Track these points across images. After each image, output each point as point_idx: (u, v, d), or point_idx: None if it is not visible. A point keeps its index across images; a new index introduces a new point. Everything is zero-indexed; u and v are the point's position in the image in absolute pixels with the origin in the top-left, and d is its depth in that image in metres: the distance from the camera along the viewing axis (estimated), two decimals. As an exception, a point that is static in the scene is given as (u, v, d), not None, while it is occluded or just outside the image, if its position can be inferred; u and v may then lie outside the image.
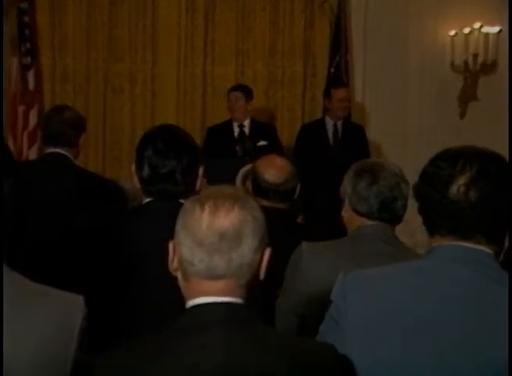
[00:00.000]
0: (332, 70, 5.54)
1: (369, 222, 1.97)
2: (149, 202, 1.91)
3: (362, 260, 1.83)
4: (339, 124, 5.08)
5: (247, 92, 4.93)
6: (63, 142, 2.96)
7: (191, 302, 1.31)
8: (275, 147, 4.68)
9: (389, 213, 1.96)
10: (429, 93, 5.62)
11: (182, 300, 1.34)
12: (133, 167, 1.93)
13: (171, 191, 1.86)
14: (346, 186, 1.99)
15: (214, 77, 5.67)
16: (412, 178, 5.34)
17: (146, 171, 1.87)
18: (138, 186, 1.93)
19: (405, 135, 5.66)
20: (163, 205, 1.88)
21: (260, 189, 2.45)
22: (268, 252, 1.32)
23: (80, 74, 5.60)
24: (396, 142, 5.62)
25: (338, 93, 4.98)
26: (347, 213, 1.99)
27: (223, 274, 1.29)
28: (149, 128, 2.00)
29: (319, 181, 4.74)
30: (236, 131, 4.91)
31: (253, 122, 4.93)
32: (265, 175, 2.45)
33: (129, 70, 5.64)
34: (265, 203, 2.39)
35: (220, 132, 4.88)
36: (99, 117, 5.60)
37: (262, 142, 4.74)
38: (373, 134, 5.48)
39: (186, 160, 1.87)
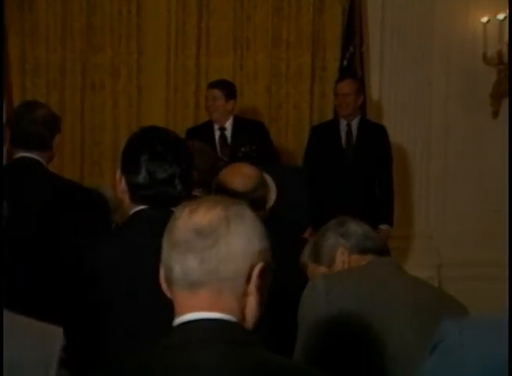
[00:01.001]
0: (344, 62, 5.51)
1: (376, 257, 2.10)
2: (140, 211, 1.93)
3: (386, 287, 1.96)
4: (354, 123, 5.04)
5: (228, 90, 4.85)
6: (36, 145, 2.93)
7: (177, 320, 1.33)
8: (265, 151, 4.67)
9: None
10: (457, 89, 5.59)
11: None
12: (118, 173, 1.97)
13: (169, 194, 1.92)
14: (332, 242, 2.11)
15: (209, 71, 5.63)
16: (438, 188, 5.25)
17: (142, 176, 1.92)
18: (124, 195, 1.95)
19: (429, 139, 5.62)
20: (157, 214, 1.90)
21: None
22: (259, 266, 1.32)
23: (54, 67, 5.58)
24: (418, 146, 5.60)
25: (338, 87, 5.01)
26: (343, 263, 2.09)
27: (198, 279, 1.30)
28: (137, 129, 2.05)
29: (329, 189, 4.76)
30: (217, 134, 4.87)
31: (236, 122, 4.87)
32: (231, 184, 2.57)
33: (111, 63, 5.62)
34: None
35: (199, 135, 4.64)
36: (76, 116, 5.58)
37: (245, 149, 4.67)
38: (391, 136, 5.36)
39: (185, 165, 1.95)
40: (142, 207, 1.96)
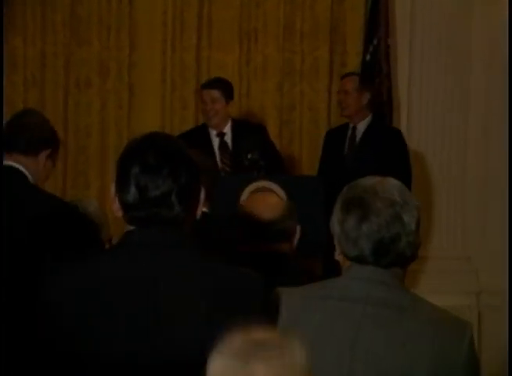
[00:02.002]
0: (367, 57, 5.46)
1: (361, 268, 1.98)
2: (128, 233, 1.92)
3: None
4: (360, 126, 5.06)
5: (228, 90, 4.86)
6: (19, 148, 3.04)
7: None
8: (271, 157, 4.66)
9: (389, 257, 1.94)
10: (499, 95, 5.43)
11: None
12: (113, 188, 1.94)
13: (164, 217, 1.88)
14: (334, 223, 2.01)
15: (211, 67, 5.63)
16: (476, 201, 5.13)
17: (132, 193, 1.88)
18: (119, 214, 1.94)
19: (464, 151, 5.53)
20: (145, 237, 1.89)
21: (252, 230, 2.66)
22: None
23: (33, 62, 5.56)
24: (453, 153, 5.51)
25: (340, 84, 5.12)
26: (340, 256, 2.02)
27: None
28: (137, 136, 2.00)
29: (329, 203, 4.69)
30: (216, 142, 4.84)
31: (235, 126, 4.85)
32: (257, 215, 2.68)
33: (98, 58, 5.62)
34: (261, 247, 2.66)
35: (193, 142, 4.60)
36: (58, 119, 5.49)
37: (252, 156, 4.60)
38: (420, 141, 5.43)
39: (185, 179, 1.89)
40: (132, 228, 1.92)
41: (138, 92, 5.63)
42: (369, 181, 2.02)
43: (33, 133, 3.08)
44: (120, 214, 1.93)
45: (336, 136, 5.12)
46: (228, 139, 4.83)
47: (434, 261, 5.24)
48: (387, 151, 4.94)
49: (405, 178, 4.80)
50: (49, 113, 5.30)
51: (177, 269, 1.82)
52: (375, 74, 5.37)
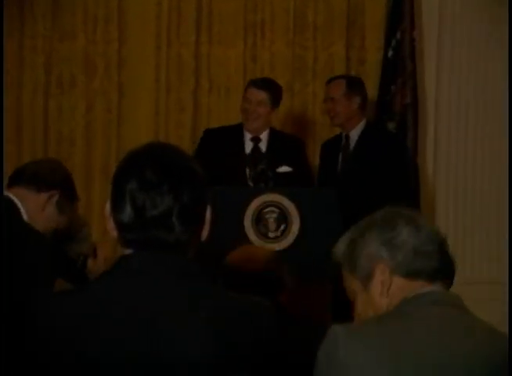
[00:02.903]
0: (389, 53, 5.48)
1: (429, 288, 1.95)
2: (124, 258, 1.92)
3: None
4: (353, 134, 4.94)
5: (276, 95, 4.78)
6: (23, 179, 3.15)
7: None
8: (302, 174, 4.68)
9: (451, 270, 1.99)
10: None
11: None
12: (108, 206, 1.94)
13: (163, 239, 1.88)
14: (371, 253, 1.97)
15: (212, 64, 5.63)
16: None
17: (127, 213, 1.88)
18: (114, 234, 1.94)
19: (499, 150, 5.53)
20: (149, 260, 1.89)
21: (235, 282, 2.68)
22: None
23: (8, 58, 5.48)
24: (486, 161, 5.55)
25: (325, 91, 5.02)
26: (383, 285, 1.97)
27: None
28: (135, 147, 1.98)
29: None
30: (249, 146, 4.77)
31: (272, 135, 4.82)
32: (241, 268, 2.80)
33: (84, 53, 5.61)
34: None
35: (223, 142, 4.73)
36: (37, 123, 5.56)
37: (285, 168, 4.65)
38: (448, 147, 5.48)
39: (188, 197, 1.88)
40: (128, 251, 1.92)
41: (129, 92, 5.61)
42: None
43: (40, 169, 3.21)
44: (115, 234, 1.92)
45: (331, 148, 5.05)
46: (263, 146, 4.76)
47: (462, 286, 5.06)
48: (383, 160, 4.83)
49: (404, 190, 4.80)
50: (27, 117, 5.58)
51: (179, 300, 1.81)
52: (398, 73, 5.36)
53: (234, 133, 4.77)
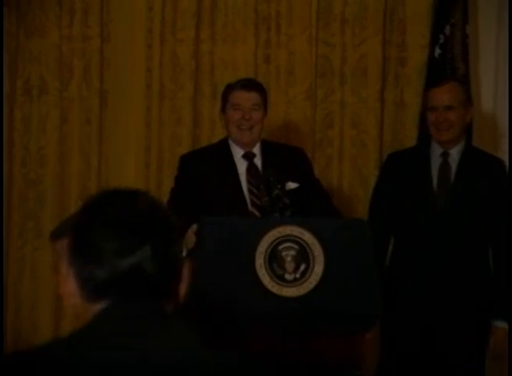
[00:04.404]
0: (437, 51, 5.49)
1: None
2: (104, 310, 2.04)
3: None
4: (454, 153, 4.88)
5: (266, 95, 4.76)
6: None
7: None
8: (312, 189, 4.64)
9: None
10: None
11: None
12: (65, 263, 2.07)
13: (136, 288, 2.04)
14: None
15: (216, 65, 5.64)
16: None
17: (90, 269, 2.03)
18: (74, 299, 2.06)
19: None
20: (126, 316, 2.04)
21: None
22: None
23: None
24: None
25: (433, 95, 4.89)
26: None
27: None
28: (95, 193, 2.11)
29: (408, 258, 4.77)
30: (242, 165, 4.68)
31: (266, 147, 4.76)
32: None
33: (57, 52, 5.61)
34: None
35: (207, 166, 4.66)
36: None
37: (291, 185, 4.55)
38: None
39: (163, 248, 2.05)
40: (100, 306, 2.04)
41: (113, 100, 5.61)
42: None
43: None
44: (75, 299, 2.04)
45: (406, 164, 4.95)
46: (258, 162, 4.68)
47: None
48: (494, 189, 4.83)
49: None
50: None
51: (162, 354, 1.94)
52: (447, 77, 5.27)
53: (218, 153, 4.71)
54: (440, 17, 5.46)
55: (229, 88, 4.69)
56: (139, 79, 5.60)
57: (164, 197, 4.44)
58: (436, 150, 4.86)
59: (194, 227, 3.97)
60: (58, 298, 5.28)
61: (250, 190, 4.58)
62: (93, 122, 5.56)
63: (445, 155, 4.86)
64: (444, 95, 4.81)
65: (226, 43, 5.61)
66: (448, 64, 5.41)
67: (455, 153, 4.87)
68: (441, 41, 5.43)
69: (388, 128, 5.61)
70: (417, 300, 4.65)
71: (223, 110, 4.70)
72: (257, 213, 4.48)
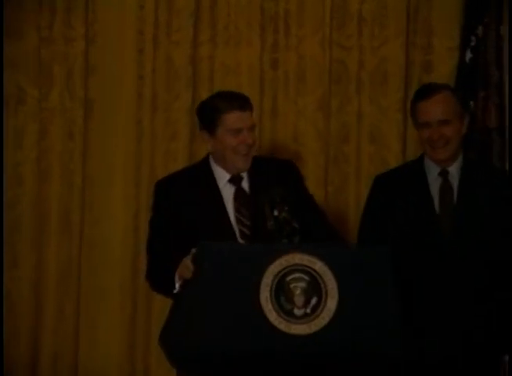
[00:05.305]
0: (468, 56, 5.52)
1: None
2: None
3: None
4: (453, 170, 4.80)
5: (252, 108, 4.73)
6: None
7: None
8: (304, 206, 4.56)
9: None
10: None
11: None
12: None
13: None
14: None
15: (216, 70, 5.64)
16: None
17: None
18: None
19: None
20: None
21: None
22: None
23: None
24: None
25: (423, 109, 4.78)
26: None
27: None
28: None
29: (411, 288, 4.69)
30: (228, 190, 4.60)
31: (253, 166, 4.70)
32: None
33: (36, 57, 5.62)
34: None
35: (187, 193, 4.55)
36: None
37: (280, 213, 4.37)
38: None
39: None
40: None
41: (99, 111, 5.60)
42: None
43: None
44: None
45: (400, 185, 4.86)
46: (245, 185, 4.56)
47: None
48: (494, 207, 4.77)
49: None
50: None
51: None
52: (479, 84, 5.38)
53: (200, 177, 4.61)
54: (471, 16, 5.49)
55: (218, 109, 4.53)
56: (129, 87, 5.60)
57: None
58: (433, 169, 4.79)
59: (190, 254, 3.89)
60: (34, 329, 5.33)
61: (238, 220, 4.49)
62: (76, 136, 5.54)
63: (444, 174, 4.79)
64: (437, 109, 4.70)
65: (228, 46, 5.61)
66: (481, 70, 5.44)
67: (454, 170, 4.79)
68: (472, 43, 5.46)
69: (411, 143, 5.56)
70: (425, 335, 4.56)
71: (209, 130, 4.56)
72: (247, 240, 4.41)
